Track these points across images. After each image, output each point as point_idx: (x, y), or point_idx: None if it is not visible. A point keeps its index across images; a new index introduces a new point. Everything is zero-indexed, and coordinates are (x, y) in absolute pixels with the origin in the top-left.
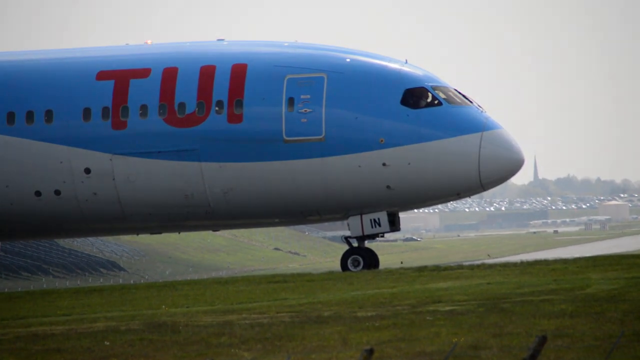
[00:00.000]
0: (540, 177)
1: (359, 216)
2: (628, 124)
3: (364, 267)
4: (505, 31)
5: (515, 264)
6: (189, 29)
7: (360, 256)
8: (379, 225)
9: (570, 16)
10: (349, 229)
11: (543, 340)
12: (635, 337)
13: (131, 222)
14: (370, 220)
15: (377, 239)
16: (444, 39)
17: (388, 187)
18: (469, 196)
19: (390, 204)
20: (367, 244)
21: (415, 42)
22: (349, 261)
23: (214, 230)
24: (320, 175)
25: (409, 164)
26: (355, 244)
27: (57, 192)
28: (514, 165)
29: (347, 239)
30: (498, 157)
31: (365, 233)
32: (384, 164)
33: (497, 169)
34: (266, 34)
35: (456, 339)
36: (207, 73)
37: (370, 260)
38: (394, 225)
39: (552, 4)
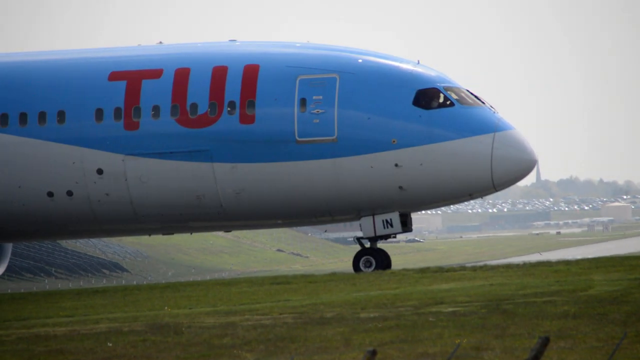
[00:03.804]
0: (542, 178)
1: (371, 217)
2: (631, 125)
3: (376, 268)
4: (507, 32)
5: (517, 265)
6: (201, 30)
7: (372, 257)
8: (391, 226)
9: (572, 17)
10: (361, 230)
11: (546, 341)
12: (638, 339)
13: (143, 222)
14: (383, 221)
15: (390, 239)
16: (446, 40)
17: (400, 187)
18: (482, 197)
19: (403, 205)
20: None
21: (420, 43)
22: (361, 262)
23: (225, 231)
24: (333, 176)
25: (422, 164)
26: (367, 245)
27: (70, 193)
28: (527, 166)
29: (359, 240)
30: (510, 158)
31: (378, 234)
32: (396, 165)
33: (510, 170)
34: (278, 35)
35: (459, 340)
36: (219, 74)
37: (383, 261)
38: (406, 226)
39: (552, 4)
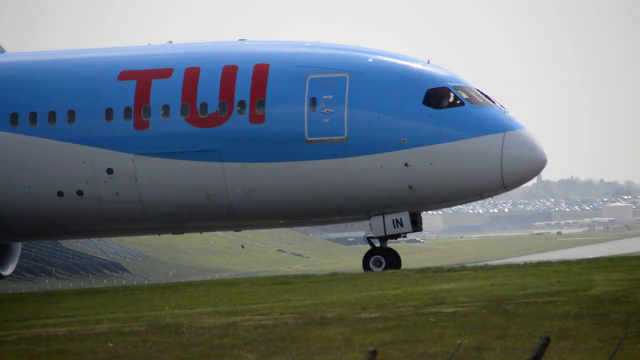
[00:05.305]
0: (543, 178)
1: (381, 216)
2: (632, 125)
3: (386, 267)
4: (507, 31)
5: (518, 266)
6: (210, 29)
7: (382, 256)
8: (401, 225)
9: (573, 17)
10: (371, 229)
11: (546, 341)
12: (639, 339)
13: (153, 222)
14: (393, 220)
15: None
16: (447, 40)
17: (410, 187)
18: (492, 197)
19: (413, 204)
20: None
21: (426, 43)
22: (371, 261)
23: (235, 231)
24: (343, 176)
25: (431, 164)
26: (377, 244)
27: (80, 193)
28: (537, 165)
29: (369, 239)
30: (521, 158)
31: (388, 233)
32: (406, 164)
33: (520, 170)
34: (288, 34)
35: (459, 341)
36: (229, 73)
37: (392, 260)
38: (416, 225)
39: (553, 5)
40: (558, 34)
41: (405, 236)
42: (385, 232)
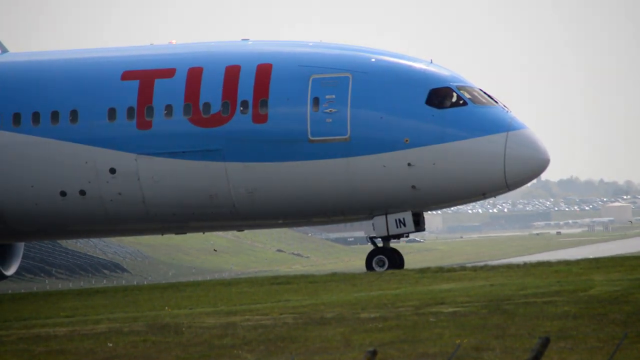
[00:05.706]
0: (543, 178)
1: (384, 216)
2: (631, 125)
3: (389, 267)
4: (507, 31)
5: (518, 266)
6: (213, 29)
7: (385, 256)
8: (404, 225)
9: (573, 16)
10: (374, 229)
11: (546, 341)
12: (638, 339)
13: (155, 222)
14: (395, 220)
15: (401, 239)
16: (450, 39)
17: (413, 187)
18: (495, 196)
19: (415, 204)
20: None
21: (425, 43)
22: (374, 261)
23: (238, 231)
24: (345, 176)
25: (434, 164)
26: (380, 244)
27: (82, 192)
28: (540, 165)
29: (372, 239)
30: (524, 157)
31: (390, 233)
32: (409, 164)
33: (523, 169)
34: (291, 34)
35: (459, 341)
36: (232, 73)
37: (395, 260)
38: (419, 225)
39: (553, 4)
40: (559, 35)
41: (407, 236)
42: (388, 232)
